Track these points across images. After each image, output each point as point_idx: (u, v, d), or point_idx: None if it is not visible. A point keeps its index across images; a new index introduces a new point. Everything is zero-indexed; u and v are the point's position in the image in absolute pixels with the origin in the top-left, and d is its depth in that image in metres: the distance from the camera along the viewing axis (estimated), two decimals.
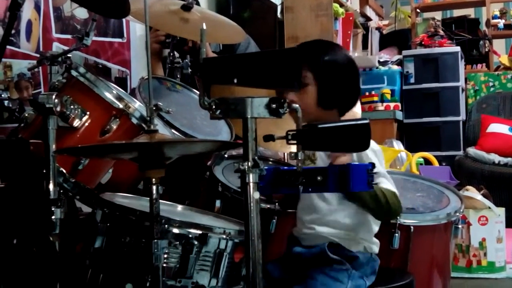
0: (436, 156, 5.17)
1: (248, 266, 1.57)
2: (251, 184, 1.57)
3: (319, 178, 1.65)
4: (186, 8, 2.87)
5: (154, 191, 1.75)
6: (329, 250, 2.12)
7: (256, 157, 1.57)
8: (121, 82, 3.61)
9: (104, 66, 3.55)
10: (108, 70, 3.58)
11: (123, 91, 2.50)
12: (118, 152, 1.73)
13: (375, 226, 2.21)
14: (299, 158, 1.63)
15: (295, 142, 1.60)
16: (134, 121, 2.13)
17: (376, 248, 2.22)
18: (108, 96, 2.10)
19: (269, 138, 1.63)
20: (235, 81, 1.61)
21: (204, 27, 1.60)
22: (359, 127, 1.62)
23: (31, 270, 1.82)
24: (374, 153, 2.16)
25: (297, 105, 1.60)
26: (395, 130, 5.53)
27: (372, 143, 2.21)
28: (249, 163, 1.57)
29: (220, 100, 1.59)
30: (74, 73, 2.09)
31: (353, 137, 1.62)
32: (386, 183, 2.12)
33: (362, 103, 5.53)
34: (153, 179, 1.74)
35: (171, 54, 3.24)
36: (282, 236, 2.34)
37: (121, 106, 2.11)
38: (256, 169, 1.57)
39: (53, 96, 1.80)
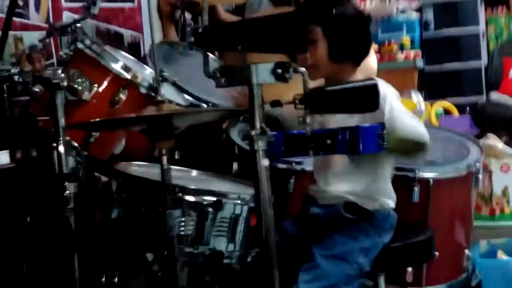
0: (458, 104, 5.11)
1: (261, 233, 1.57)
2: (260, 152, 1.57)
3: (328, 141, 1.63)
4: None
5: (165, 161, 1.75)
6: (345, 209, 2.13)
7: (263, 124, 1.56)
8: (134, 47, 3.59)
9: (116, 32, 3.53)
10: (120, 36, 3.56)
11: (133, 58, 2.49)
12: (126, 125, 1.73)
13: (389, 181, 2.20)
14: (308, 122, 1.61)
15: (302, 106, 1.59)
16: (143, 90, 2.12)
17: (392, 203, 2.21)
18: (115, 67, 2.09)
19: (276, 104, 1.62)
20: (239, 47, 1.60)
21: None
22: (367, 88, 1.59)
23: (47, 246, 1.84)
24: (396, 95, 2.15)
25: (303, 69, 1.58)
26: (416, 78, 5.44)
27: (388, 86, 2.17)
28: (257, 130, 1.56)
29: (224, 68, 1.58)
30: (80, 45, 2.09)
31: (361, 98, 1.59)
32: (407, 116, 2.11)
33: (381, 53, 5.44)
34: (163, 150, 1.74)
35: (182, 16, 3.21)
36: (301, 195, 2.34)
37: (128, 76, 2.10)
38: (264, 136, 1.56)
39: (59, 71, 1.79)
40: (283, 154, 1.69)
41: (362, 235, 2.12)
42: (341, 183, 2.15)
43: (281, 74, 1.56)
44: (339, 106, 1.60)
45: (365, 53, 2.20)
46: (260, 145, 1.56)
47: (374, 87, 1.57)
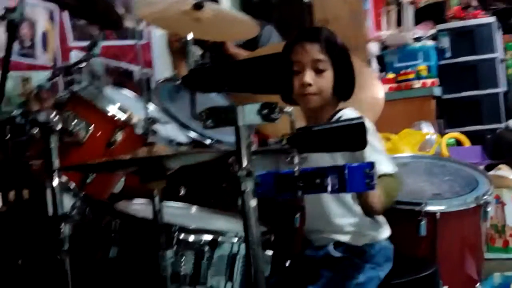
0: (477, 131, 5.05)
1: (250, 274, 1.57)
2: (247, 192, 1.57)
3: (317, 181, 1.63)
4: (198, 7, 2.85)
5: (157, 203, 1.76)
6: (335, 248, 2.14)
7: (249, 166, 1.56)
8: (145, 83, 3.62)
9: (126, 69, 3.57)
10: (130, 73, 3.59)
11: (135, 96, 2.50)
12: (117, 167, 1.74)
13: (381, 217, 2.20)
14: (296, 162, 1.61)
15: (290, 146, 1.59)
16: (138, 131, 2.14)
17: (385, 233, 2.21)
18: (111, 108, 2.11)
19: (263, 144, 1.62)
20: (226, 88, 1.61)
21: (189, 37, 1.61)
22: (355, 127, 1.58)
23: None
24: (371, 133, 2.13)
25: (290, 109, 1.58)
26: (434, 106, 5.40)
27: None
28: (243, 172, 1.56)
29: (211, 110, 1.59)
30: (75, 87, 2.12)
31: (349, 137, 1.59)
32: (384, 164, 2.09)
33: (398, 82, 5.43)
34: (155, 191, 1.74)
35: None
36: None
37: (124, 117, 2.12)
38: (250, 178, 1.56)
39: (52, 115, 1.81)
40: (273, 194, 1.69)
41: (355, 272, 2.12)
42: (330, 223, 2.16)
43: (267, 115, 1.56)
44: (327, 145, 1.60)
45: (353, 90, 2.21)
46: (248, 185, 1.57)
47: (361, 126, 1.57)
